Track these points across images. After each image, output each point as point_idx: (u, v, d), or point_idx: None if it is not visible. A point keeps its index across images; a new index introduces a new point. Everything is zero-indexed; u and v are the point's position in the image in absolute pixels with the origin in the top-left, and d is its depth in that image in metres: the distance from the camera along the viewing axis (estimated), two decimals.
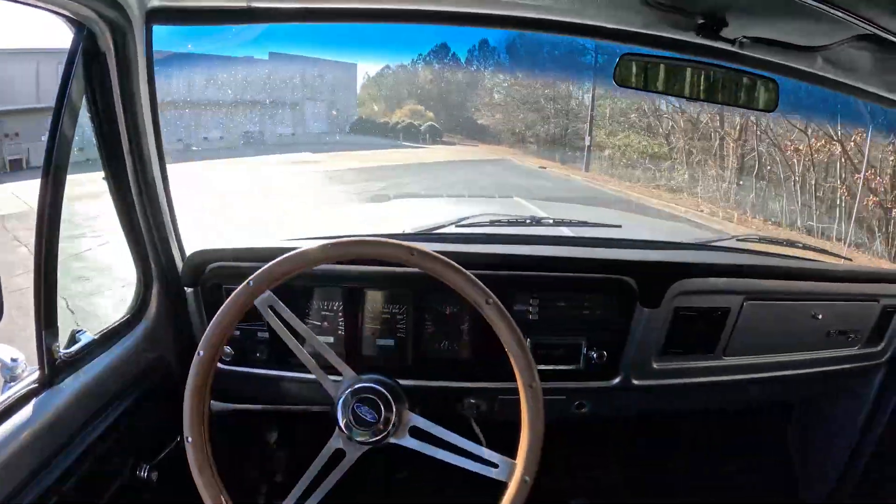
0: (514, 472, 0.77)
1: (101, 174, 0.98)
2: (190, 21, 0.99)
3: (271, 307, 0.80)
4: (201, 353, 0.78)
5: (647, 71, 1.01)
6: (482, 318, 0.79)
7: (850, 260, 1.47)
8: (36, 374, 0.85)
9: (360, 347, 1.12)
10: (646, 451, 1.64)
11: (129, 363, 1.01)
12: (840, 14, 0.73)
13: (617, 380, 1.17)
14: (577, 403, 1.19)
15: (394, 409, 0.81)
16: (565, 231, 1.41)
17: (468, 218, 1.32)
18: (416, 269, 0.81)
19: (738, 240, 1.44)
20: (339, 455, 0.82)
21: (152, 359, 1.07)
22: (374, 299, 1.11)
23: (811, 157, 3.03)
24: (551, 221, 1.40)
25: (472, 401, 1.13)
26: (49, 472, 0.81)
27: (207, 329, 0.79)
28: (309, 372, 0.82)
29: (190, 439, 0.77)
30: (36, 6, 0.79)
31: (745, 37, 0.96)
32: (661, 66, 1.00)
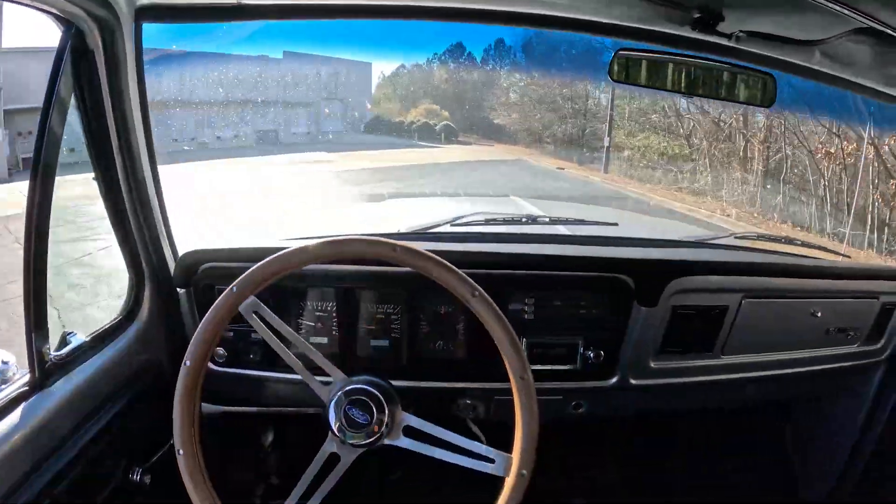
0: (511, 466, 0.76)
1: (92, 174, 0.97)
2: (180, 18, 0.98)
3: (256, 312, 0.79)
4: (188, 363, 0.77)
5: (642, 67, 1.00)
6: (476, 317, 0.78)
7: (849, 257, 1.46)
8: (27, 377, 0.84)
9: (354, 348, 1.11)
10: (644, 451, 1.63)
11: (121, 365, 1.00)
12: (838, 7, 0.72)
13: (614, 379, 1.16)
14: (575, 403, 1.19)
15: (386, 410, 0.80)
16: (561, 229, 1.40)
17: (463, 217, 1.31)
18: (409, 269, 0.80)
19: (736, 237, 1.43)
20: (333, 459, 0.81)
21: (145, 360, 1.06)
22: (367, 299, 1.10)
23: (843, 161, 2.95)
24: (547, 220, 1.39)
25: (468, 401, 1.12)
26: (40, 476, 0.80)
27: (193, 338, 0.78)
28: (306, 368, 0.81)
29: (181, 452, 0.76)
30: (22, 3, 0.78)
31: (741, 31, 0.95)
32: (657, 61, 0.99)
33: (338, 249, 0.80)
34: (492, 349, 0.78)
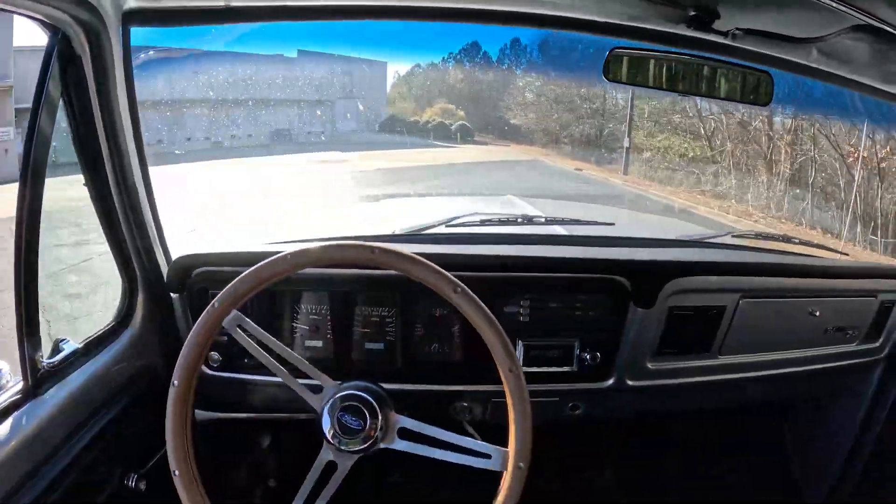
0: (508, 460, 0.75)
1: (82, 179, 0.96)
2: (168, 22, 0.96)
3: (240, 326, 0.79)
4: (175, 383, 0.77)
5: (638, 65, 0.99)
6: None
7: (847, 255, 1.44)
8: (20, 385, 0.84)
9: (349, 352, 1.10)
10: (642, 453, 1.63)
11: (115, 371, 1.00)
12: (835, 4, 0.71)
13: (611, 381, 1.16)
14: (571, 405, 1.18)
15: (379, 414, 0.80)
16: (558, 229, 1.39)
17: (459, 217, 1.30)
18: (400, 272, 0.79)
19: (733, 236, 1.41)
20: (331, 467, 0.80)
21: (139, 366, 1.06)
22: (362, 303, 1.09)
23: (877, 166, 2.88)
24: (543, 220, 1.38)
25: (465, 404, 1.12)
26: (35, 484, 0.80)
27: (180, 357, 0.77)
28: (297, 376, 0.81)
29: (177, 472, 0.76)
30: (6, 10, 0.77)
31: (737, 28, 0.94)
32: (652, 60, 0.98)
33: (318, 256, 0.79)
34: (487, 351, 0.77)
